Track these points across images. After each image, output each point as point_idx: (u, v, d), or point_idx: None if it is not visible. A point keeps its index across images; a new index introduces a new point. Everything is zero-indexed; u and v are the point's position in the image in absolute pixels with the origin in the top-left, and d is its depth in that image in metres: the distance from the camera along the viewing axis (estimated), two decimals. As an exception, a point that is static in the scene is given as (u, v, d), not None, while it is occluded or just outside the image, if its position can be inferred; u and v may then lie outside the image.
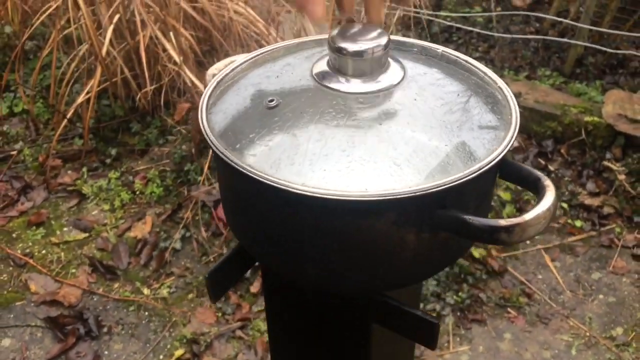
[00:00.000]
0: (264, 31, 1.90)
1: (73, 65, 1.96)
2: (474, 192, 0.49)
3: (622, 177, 1.86)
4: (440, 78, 0.56)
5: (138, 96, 1.94)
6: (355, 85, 0.51)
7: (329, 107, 0.50)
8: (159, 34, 1.80)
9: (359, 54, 0.51)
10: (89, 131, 1.98)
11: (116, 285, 1.63)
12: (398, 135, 0.48)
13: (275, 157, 0.46)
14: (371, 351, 0.59)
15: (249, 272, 1.60)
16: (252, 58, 0.60)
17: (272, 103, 0.50)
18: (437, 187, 0.44)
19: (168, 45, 1.77)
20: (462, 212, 0.45)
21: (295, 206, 0.46)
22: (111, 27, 1.80)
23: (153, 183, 1.88)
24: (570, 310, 1.57)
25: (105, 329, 1.53)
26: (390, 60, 0.54)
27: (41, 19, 1.95)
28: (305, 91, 0.52)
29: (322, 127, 0.48)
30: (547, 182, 0.47)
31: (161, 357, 1.47)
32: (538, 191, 0.47)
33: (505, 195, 1.80)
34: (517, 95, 2.08)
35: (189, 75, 1.75)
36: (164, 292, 1.61)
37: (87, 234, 1.77)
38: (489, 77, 0.57)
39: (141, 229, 1.76)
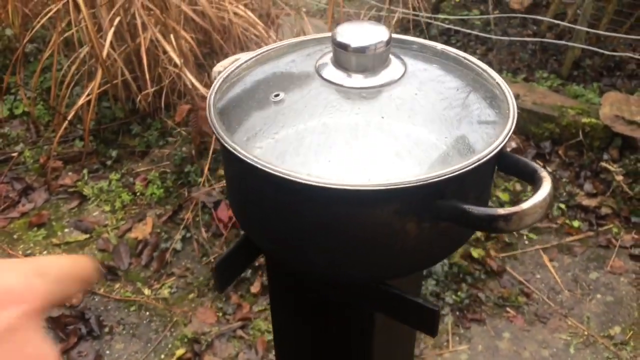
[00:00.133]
0: (263, 34, 1.91)
1: (74, 67, 1.97)
2: (474, 183, 0.51)
3: (619, 178, 1.87)
4: (440, 74, 0.57)
5: (138, 98, 1.95)
6: (357, 80, 0.53)
7: (332, 101, 0.51)
8: (160, 37, 1.80)
9: (361, 50, 0.52)
10: (89, 133, 1.99)
11: (117, 285, 1.64)
12: (399, 129, 0.49)
13: (281, 149, 0.48)
14: (373, 340, 0.60)
15: (249, 272, 1.61)
16: (256, 55, 0.62)
17: (277, 98, 0.52)
18: (438, 178, 0.45)
19: (168, 48, 1.78)
20: (461, 202, 0.47)
21: (300, 196, 0.47)
22: (112, 30, 1.81)
23: (153, 184, 1.89)
24: (569, 309, 1.58)
25: (106, 329, 1.53)
26: (391, 56, 0.55)
27: (42, 21, 1.96)
28: (309, 86, 0.53)
29: (326, 120, 0.49)
30: (544, 174, 0.49)
31: (162, 356, 1.48)
32: (535, 182, 0.49)
33: (504, 196, 1.81)
34: (515, 97, 2.09)
35: (189, 77, 1.76)
36: (165, 292, 1.61)
37: (88, 235, 1.78)
38: (488, 73, 0.59)
39: (142, 230, 1.77)
